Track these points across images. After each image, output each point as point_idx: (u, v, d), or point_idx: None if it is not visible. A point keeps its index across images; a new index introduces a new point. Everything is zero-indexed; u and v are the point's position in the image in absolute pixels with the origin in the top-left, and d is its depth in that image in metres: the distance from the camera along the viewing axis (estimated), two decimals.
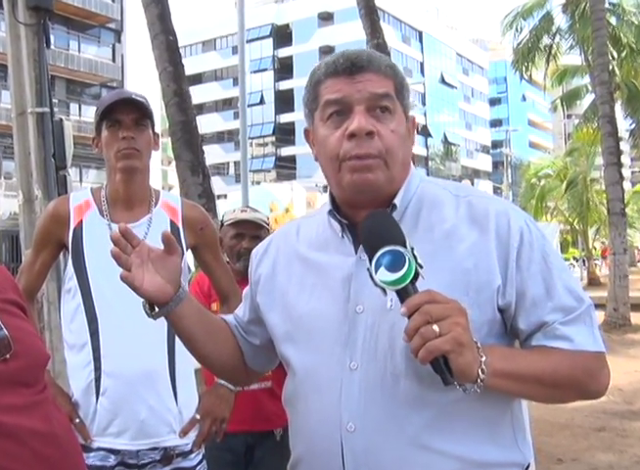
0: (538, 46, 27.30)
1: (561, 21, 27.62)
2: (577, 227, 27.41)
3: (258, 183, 42.00)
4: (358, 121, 1.33)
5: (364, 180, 1.35)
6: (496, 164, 68.60)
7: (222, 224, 3.13)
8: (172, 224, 2.31)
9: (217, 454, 2.73)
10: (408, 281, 1.18)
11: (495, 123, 71.30)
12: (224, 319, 1.64)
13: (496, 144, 67.60)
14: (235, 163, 51.79)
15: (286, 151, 58.11)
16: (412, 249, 1.21)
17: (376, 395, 1.31)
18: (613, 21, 22.89)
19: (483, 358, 1.20)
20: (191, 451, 2.26)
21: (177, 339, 2.23)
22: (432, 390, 1.26)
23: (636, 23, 26.58)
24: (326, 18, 56.86)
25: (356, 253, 1.39)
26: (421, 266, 1.20)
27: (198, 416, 2.29)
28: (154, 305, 1.45)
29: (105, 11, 31.51)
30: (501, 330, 1.36)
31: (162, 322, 2.21)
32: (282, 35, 58.48)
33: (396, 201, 1.39)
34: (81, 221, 2.26)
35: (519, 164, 55.67)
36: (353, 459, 1.30)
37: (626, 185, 13.02)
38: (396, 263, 1.19)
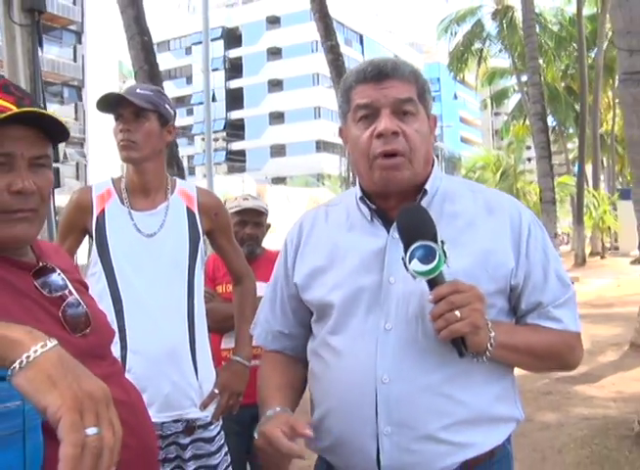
0: (470, 50, 27.77)
1: (490, 27, 28.15)
2: None
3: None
4: (385, 123, 1.41)
5: (392, 177, 1.43)
6: None
7: None
8: (188, 210, 2.31)
9: (225, 424, 2.76)
10: (437, 273, 1.29)
11: None
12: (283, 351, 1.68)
13: None
14: (188, 156, 51.09)
15: (236, 145, 57.67)
16: (442, 242, 1.30)
17: (408, 351, 1.39)
18: (536, 29, 23.47)
19: (492, 334, 1.35)
20: (210, 423, 2.27)
21: (197, 316, 2.27)
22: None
23: (556, 31, 27.30)
24: (273, 21, 56.47)
25: (388, 233, 1.46)
26: (446, 256, 1.29)
27: (216, 391, 2.29)
28: None
29: (66, 13, 30.74)
30: (508, 306, 1.49)
31: (183, 301, 2.25)
32: (232, 37, 57.85)
33: (427, 186, 1.48)
34: (103, 210, 2.25)
35: (451, 158, 56.59)
36: (386, 407, 1.38)
37: None
38: (428, 256, 1.29)
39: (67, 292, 1.30)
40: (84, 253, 2.45)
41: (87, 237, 2.33)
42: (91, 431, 0.83)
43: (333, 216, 1.61)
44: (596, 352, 7.64)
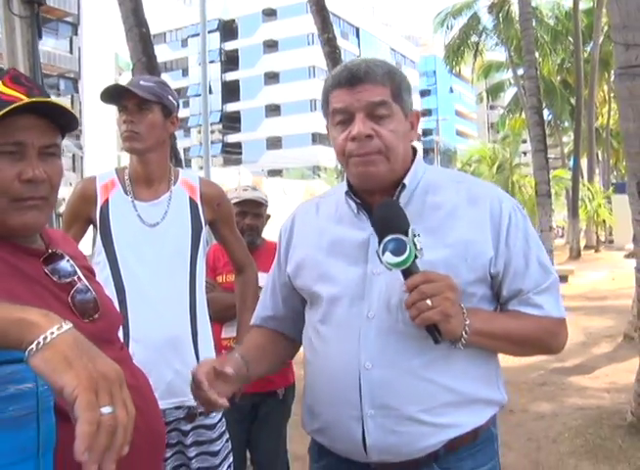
0: (467, 43, 27.72)
1: (487, 20, 28.10)
2: None
3: None
4: (358, 127, 1.46)
5: (368, 172, 1.49)
6: (427, 151, 69.25)
7: None
8: (191, 201, 2.32)
9: (226, 412, 2.79)
10: (408, 264, 1.35)
11: (425, 113, 71.74)
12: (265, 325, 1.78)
13: (426, 132, 68.16)
14: (184, 149, 50.93)
15: (232, 138, 57.56)
16: (414, 235, 1.35)
17: (389, 339, 1.45)
18: (532, 23, 23.50)
19: (467, 322, 1.41)
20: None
21: (198, 306, 2.29)
22: None
23: (552, 25, 27.28)
24: (270, 14, 56.26)
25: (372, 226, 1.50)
26: (417, 248, 1.35)
27: None
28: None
29: (63, 5, 30.72)
30: (491, 293, 1.54)
31: (185, 291, 2.28)
32: (228, 30, 57.64)
33: (406, 181, 1.53)
34: (107, 199, 2.27)
35: (446, 151, 56.59)
36: (369, 391, 1.45)
37: None
38: (399, 249, 1.35)
39: (76, 278, 1.33)
40: (87, 243, 2.47)
41: (91, 227, 2.35)
42: (106, 410, 0.86)
43: (323, 208, 1.67)
44: (590, 344, 7.67)
